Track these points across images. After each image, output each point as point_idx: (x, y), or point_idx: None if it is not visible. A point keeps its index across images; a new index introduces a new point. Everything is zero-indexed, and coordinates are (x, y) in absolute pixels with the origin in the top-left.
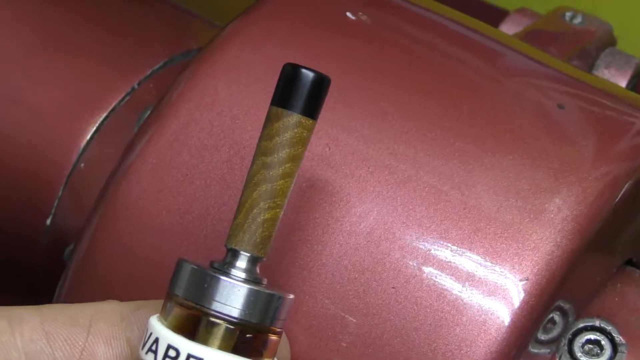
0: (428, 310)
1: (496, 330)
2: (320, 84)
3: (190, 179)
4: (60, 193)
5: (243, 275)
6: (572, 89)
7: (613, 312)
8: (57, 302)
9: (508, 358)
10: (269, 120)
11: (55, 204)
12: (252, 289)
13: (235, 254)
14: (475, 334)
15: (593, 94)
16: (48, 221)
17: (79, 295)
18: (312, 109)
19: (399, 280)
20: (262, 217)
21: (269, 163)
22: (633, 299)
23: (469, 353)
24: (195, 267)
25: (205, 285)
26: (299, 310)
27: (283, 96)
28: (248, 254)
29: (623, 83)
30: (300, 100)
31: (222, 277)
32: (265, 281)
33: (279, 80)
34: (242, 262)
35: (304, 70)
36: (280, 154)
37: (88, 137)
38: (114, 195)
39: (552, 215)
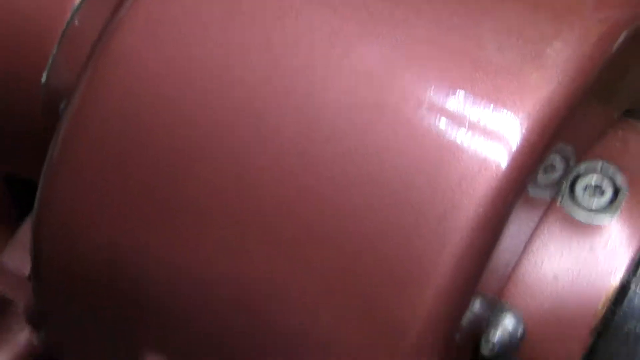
0: (429, 147)
1: (496, 167)
2: None
3: (186, 26)
4: (54, 50)
5: None
6: None
7: (614, 156)
8: (51, 159)
9: (507, 195)
10: None
11: (50, 61)
12: None
13: None
14: (476, 170)
15: None
16: (43, 78)
17: (72, 151)
18: None
19: (399, 119)
20: None
21: None
22: (634, 146)
23: (468, 190)
24: None
25: None
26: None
27: None
28: None
29: None
30: None
31: None
32: None
33: None
34: None
35: None
36: None
37: None
38: (108, 46)
39: (554, 55)
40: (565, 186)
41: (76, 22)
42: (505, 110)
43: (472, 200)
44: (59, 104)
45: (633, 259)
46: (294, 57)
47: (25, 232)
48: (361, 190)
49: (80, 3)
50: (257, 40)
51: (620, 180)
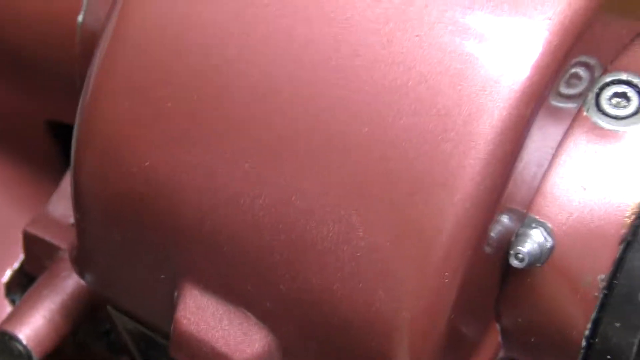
0: (452, 54)
1: (519, 70)
2: None
3: None
4: None
5: None
6: None
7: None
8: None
9: (530, 100)
10: None
11: (85, 1)
12: None
13: None
14: (499, 75)
15: None
16: (80, 17)
17: (106, 80)
18: None
19: (422, 28)
20: None
21: None
22: None
23: (492, 93)
24: None
25: None
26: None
27: None
28: None
29: None
30: None
31: None
32: None
33: None
34: None
35: None
36: None
37: None
38: None
39: None
40: (591, 96)
41: None
42: (526, 16)
43: (496, 104)
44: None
45: None
46: None
47: (69, 180)
48: (388, 97)
49: None
50: None
51: None
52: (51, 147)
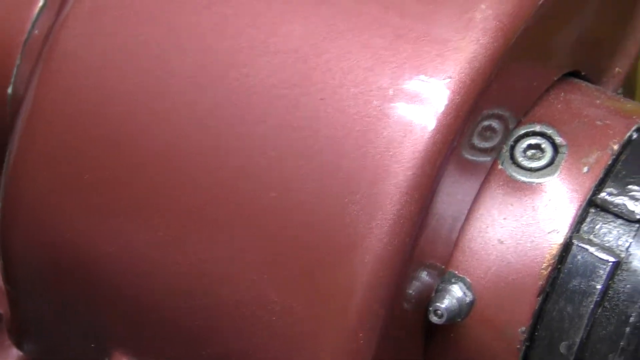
0: (356, 117)
1: (421, 130)
2: None
3: (121, 19)
4: (18, 61)
5: None
6: None
7: (555, 118)
8: (8, 160)
9: (435, 158)
10: None
11: (15, 72)
12: None
13: None
14: (402, 135)
15: None
16: (9, 90)
17: (27, 150)
18: None
19: (326, 91)
20: None
21: None
22: (577, 106)
23: (396, 154)
24: None
25: None
26: (232, 131)
27: None
28: None
29: None
30: None
31: None
32: None
33: None
34: None
35: None
36: None
37: (40, 4)
38: (51, 45)
39: (474, 15)
40: (506, 149)
41: (36, 31)
42: (427, 75)
43: (400, 165)
44: None
45: (574, 216)
46: (223, 41)
47: None
48: (294, 162)
49: (39, 12)
50: (188, 28)
51: (559, 139)
52: None
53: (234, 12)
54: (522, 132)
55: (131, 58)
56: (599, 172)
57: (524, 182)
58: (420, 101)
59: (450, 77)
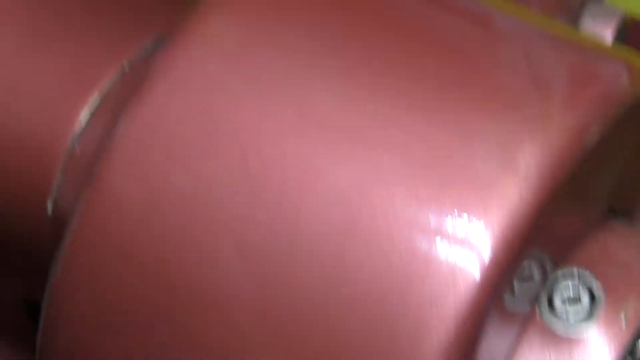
0: (397, 270)
1: (464, 287)
2: None
3: (165, 159)
4: (58, 178)
5: None
6: (541, 40)
7: (593, 263)
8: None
9: (478, 313)
10: None
11: (54, 190)
12: None
13: None
14: (444, 290)
15: (561, 44)
16: (49, 209)
17: (71, 279)
18: None
19: (370, 242)
20: None
21: None
22: (614, 251)
23: (438, 311)
24: None
25: None
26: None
27: None
28: None
29: (609, 34)
30: None
31: None
32: None
33: None
34: None
35: None
36: None
37: (81, 120)
38: (95, 182)
39: (520, 162)
40: (543, 297)
41: (77, 148)
42: (470, 226)
43: (442, 321)
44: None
45: None
46: (269, 186)
47: None
48: (336, 312)
49: (82, 130)
50: (234, 171)
51: (596, 288)
52: (28, 326)
53: (280, 154)
54: (560, 277)
55: (175, 199)
56: (636, 322)
57: (561, 335)
58: (464, 254)
59: (492, 230)
